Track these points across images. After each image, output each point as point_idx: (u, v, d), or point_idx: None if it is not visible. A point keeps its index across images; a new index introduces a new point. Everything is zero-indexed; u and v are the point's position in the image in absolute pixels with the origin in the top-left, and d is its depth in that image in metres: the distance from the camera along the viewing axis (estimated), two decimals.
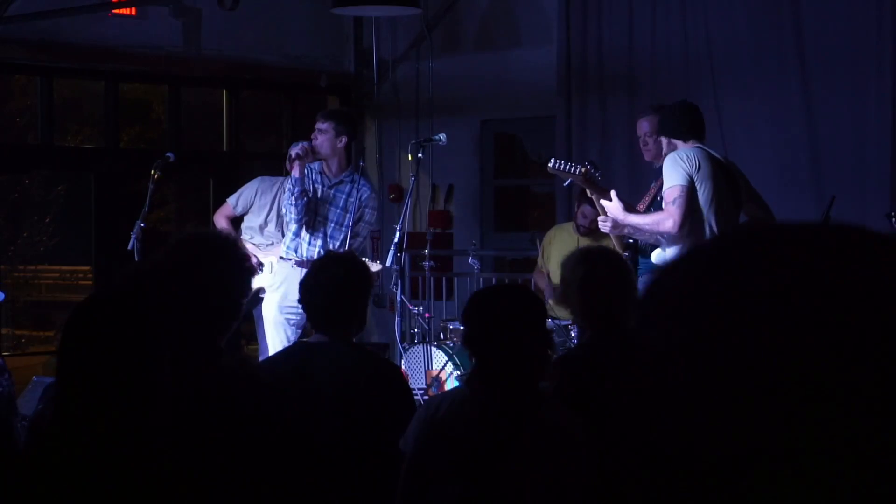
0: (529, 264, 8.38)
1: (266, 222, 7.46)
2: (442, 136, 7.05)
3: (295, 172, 6.76)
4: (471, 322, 3.24)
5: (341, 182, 6.90)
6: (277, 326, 6.80)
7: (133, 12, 9.59)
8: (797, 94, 8.46)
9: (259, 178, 7.73)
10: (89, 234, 9.89)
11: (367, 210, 6.89)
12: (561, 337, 6.78)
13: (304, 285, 3.86)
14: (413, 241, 8.84)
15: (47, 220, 16.69)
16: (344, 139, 6.93)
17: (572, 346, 6.68)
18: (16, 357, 13.29)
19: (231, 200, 7.60)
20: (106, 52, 9.49)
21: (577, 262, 3.99)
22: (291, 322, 6.84)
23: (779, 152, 8.53)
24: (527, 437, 3.10)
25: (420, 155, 6.82)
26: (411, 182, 7.02)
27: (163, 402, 2.74)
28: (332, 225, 6.80)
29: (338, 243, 6.75)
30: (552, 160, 5.97)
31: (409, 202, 7.63)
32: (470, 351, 3.24)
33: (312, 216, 6.84)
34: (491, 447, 3.08)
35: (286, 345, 6.70)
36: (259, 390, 2.98)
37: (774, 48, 8.58)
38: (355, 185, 6.89)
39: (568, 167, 5.89)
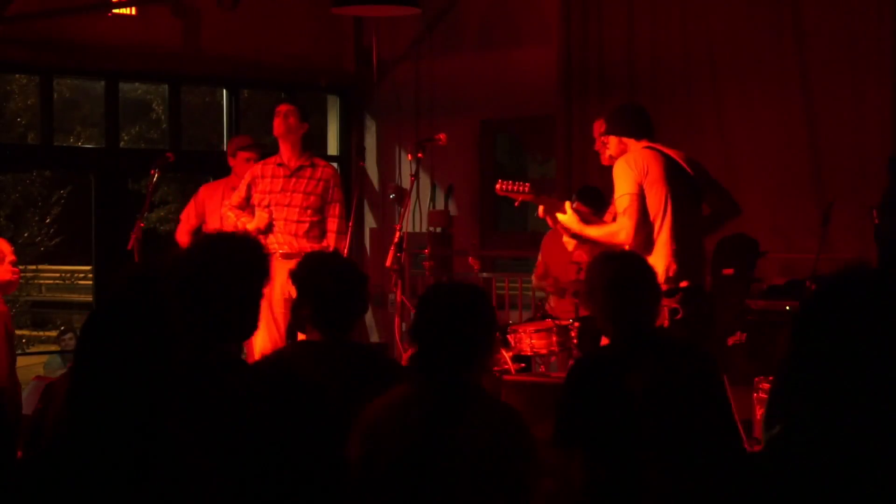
0: (529, 264, 8.38)
1: (222, 224, 7.51)
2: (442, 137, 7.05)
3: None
4: (419, 312, 3.28)
5: (302, 167, 6.97)
6: (269, 322, 6.80)
7: (133, 12, 9.59)
8: (797, 95, 8.45)
9: (202, 186, 7.80)
10: (89, 234, 9.89)
11: (335, 189, 6.95)
12: (561, 337, 6.77)
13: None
14: (413, 241, 8.85)
15: (47, 220, 16.72)
16: (305, 125, 7.05)
17: (572, 346, 6.68)
18: (16, 357, 13.27)
19: (183, 216, 7.71)
20: (106, 52, 9.49)
21: (602, 265, 3.98)
22: (285, 315, 6.86)
23: (779, 152, 8.53)
24: (462, 430, 3.13)
25: (420, 155, 6.81)
26: (411, 182, 7.01)
27: (180, 402, 2.75)
28: (298, 210, 6.86)
29: (306, 227, 6.83)
30: (499, 182, 5.91)
31: (409, 202, 7.63)
32: (414, 340, 3.25)
33: (281, 207, 6.91)
34: (427, 440, 3.12)
35: (276, 339, 6.73)
36: (287, 388, 2.98)
37: (774, 48, 8.58)
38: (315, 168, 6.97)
39: (516, 186, 5.82)
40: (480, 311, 3.29)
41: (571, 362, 5.51)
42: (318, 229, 6.90)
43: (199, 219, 7.64)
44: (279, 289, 6.61)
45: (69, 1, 9.09)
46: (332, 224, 6.92)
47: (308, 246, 6.69)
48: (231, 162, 7.59)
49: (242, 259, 3.25)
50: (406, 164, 10.18)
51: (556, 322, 6.87)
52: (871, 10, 8.18)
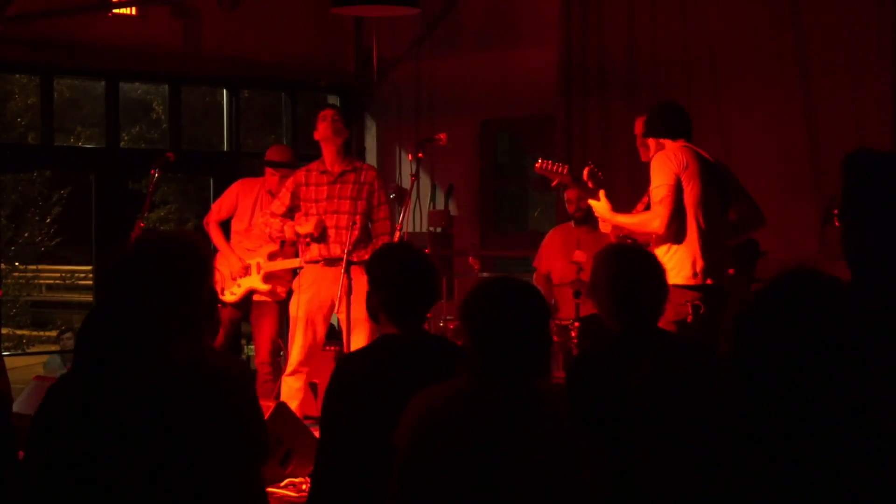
0: (529, 264, 8.37)
1: (251, 225, 7.51)
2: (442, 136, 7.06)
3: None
4: (474, 312, 3.17)
5: (344, 172, 6.91)
6: (307, 326, 6.81)
7: (133, 12, 9.59)
8: (797, 95, 8.45)
9: (239, 181, 7.78)
10: (89, 234, 9.89)
11: (380, 192, 6.92)
12: (561, 337, 6.78)
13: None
14: (413, 241, 8.82)
15: (48, 220, 16.71)
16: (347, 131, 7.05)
17: (572, 346, 6.68)
18: (16, 357, 13.30)
19: (214, 206, 7.69)
20: (106, 52, 9.49)
21: (608, 259, 3.95)
22: (325, 320, 6.88)
23: (779, 152, 8.53)
24: (527, 434, 3.07)
25: (420, 155, 6.81)
26: (411, 182, 7.01)
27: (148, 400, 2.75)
28: (348, 216, 6.78)
29: (358, 233, 6.72)
30: (539, 160, 5.98)
31: (409, 202, 7.63)
32: (472, 341, 3.14)
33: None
34: (491, 442, 3.05)
35: (312, 344, 6.76)
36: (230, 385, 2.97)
37: (774, 48, 8.58)
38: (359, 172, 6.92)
39: (555, 167, 5.92)
40: (541, 311, 3.20)
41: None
42: (366, 233, 6.86)
43: (229, 212, 7.64)
44: (321, 294, 6.66)
45: (69, 1, 9.09)
46: (381, 227, 6.88)
47: (356, 254, 6.54)
48: (265, 167, 7.61)
49: (180, 260, 3.17)
50: (406, 164, 10.18)
51: (556, 322, 6.87)
52: (871, 9, 8.18)
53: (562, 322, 6.87)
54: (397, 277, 3.86)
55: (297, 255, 7.22)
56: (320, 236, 6.81)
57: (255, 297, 7.52)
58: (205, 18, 9.88)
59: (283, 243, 7.34)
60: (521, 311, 3.14)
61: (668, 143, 5.67)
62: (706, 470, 3.44)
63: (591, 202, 5.78)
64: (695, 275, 5.42)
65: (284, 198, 6.96)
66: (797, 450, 2.05)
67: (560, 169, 5.93)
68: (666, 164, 5.50)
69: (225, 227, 7.75)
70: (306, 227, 6.78)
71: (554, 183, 6.10)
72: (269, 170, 7.53)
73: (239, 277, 7.49)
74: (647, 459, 3.59)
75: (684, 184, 5.49)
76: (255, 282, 7.42)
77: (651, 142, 5.77)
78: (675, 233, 5.43)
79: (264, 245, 7.39)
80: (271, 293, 7.42)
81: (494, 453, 3.04)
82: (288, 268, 7.35)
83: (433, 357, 3.77)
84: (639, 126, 6.35)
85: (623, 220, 5.71)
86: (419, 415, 3.15)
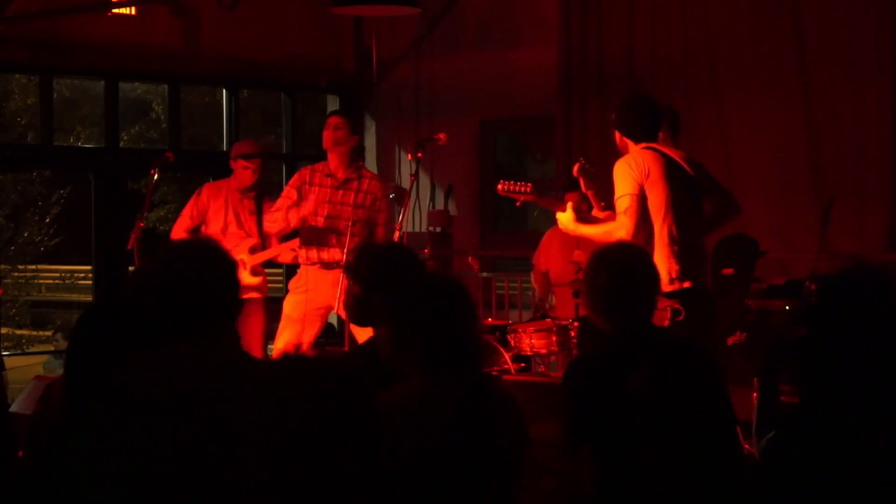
0: (529, 264, 8.37)
1: (226, 224, 7.50)
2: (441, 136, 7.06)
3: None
4: (417, 313, 3.23)
5: (349, 180, 6.91)
6: (298, 326, 6.83)
7: (133, 12, 9.59)
8: (797, 95, 8.45)
9: (205, 185, 7.76)
10: (89, 234, 9.88)
11: (381, 201, 6.95)
12: (561, 337, 6.77)
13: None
14: (413, 241, 8.83)
15: (47, 219, 16.72)
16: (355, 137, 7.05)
17: (572, 346, 6.68)
18: (16, 357, 13.31)
19: (185, 212, 7.66)
20: (106, 52, 9.49)
21: (600, 261, 3.94)
22: (318, 322, 6.91)
23: (779, 152, 8.54)
24: (487, 426, 3.14)
25: (420, 155, 6.81)
26: (411, 182, 7.01)
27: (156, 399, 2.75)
28: (347, 223, 6.80)
29: (356, 241, 6.76)
30: (501, 182, 5.98)
31: (408, 202, 7.62)
32: (416, 342, 3.21)
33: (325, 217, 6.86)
34: (460, 436, 3.11)
35: (298, 344, 6.76)
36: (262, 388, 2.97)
37: (774, 48, 8.58)
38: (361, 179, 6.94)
39: (517, 186, 5.91)
40: (472, 309, 3.29)
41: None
42: (362, 240, 6.87)
43: (198, 219, 7.62)
44: (318, 297, 6.67)
45: (69, 1, 9.09)
46: (379, 232, 6.92)
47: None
48: (232, 165, 7.57)
49: (211, 268, 3.18)
50: (406, 163, 10.18)
51: (556, 322, 6.86)
52: (871, 9, 8.19)
53: (561, 322, 6.87)
54: (393, 278, 3.86)
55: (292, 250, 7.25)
56: (319, 240, 6.82)
57: (244, 295, 7.52)
58: (204, 18, 9.88)
59: (264, 239, 7.37)
60: (459, 310, 3.23)
61: (630, 144, 5.60)
62: (707, 470, 3.43)
63: (558, 214, 5.77)
64: (671, 281, 5.36)
65: (290, 194, 6.96)
66: (868, 442, 2.06)
67: (523, 188, 5.91)
68: (627, 173, 5.43)
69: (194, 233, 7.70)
70: (307, 205, 6.82)
71: (519, 202, 6.08)
72: (240, 165, 7.49)
73: None
74: (647, 460, 3.59)
75: (647, 191, 5.41)
76: (244, 277, 7.43)
77: (616, 134, 5.70)
78: (643, 241, 5.38)
79: (242, 242, 7.40)
80: (260, 287, 7.44)
81: (458, 449, 3.09)
82: (270, 258, 7.39)
83: None
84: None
85: (588, 230, 5.67)
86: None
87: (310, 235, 6.86)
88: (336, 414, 2.15)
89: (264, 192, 7.57)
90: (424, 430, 3.12)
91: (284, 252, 7.27)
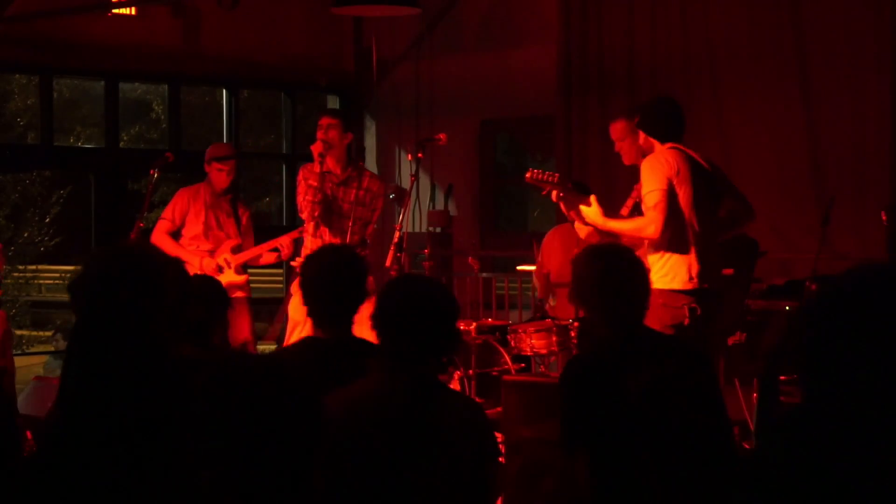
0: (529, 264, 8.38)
1: (207, 228, 7.51)
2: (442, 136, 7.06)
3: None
4: (383, 311, 3.28)
5: (348, 179, 6.92)
6: (305, 328, 6.84)
7: (133, 12, 9.59)
8: (797, 95, 8.45)
9: (181, 189, 7.77)
10: (89, 234, 9.89)
11: (377, 199, 6.98)
12: (561, 337, 6.77)
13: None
14: (413, 242, 8.84)
15: (47, 220, 16.71)
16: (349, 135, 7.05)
17: (572, 346, 6.68)
18: (16, 357, 13.29)
19: (167, 215, 7.64)
20: (106, 52, 9.49)
21: (591, 259, 3.93)
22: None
23: (779, 152, 8.54)
24: (434, 422, 3.16)
25: (420, 155, 6.81)
26: (411, 182, 7.01)
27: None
28: (346, 220, 6.82)
29: (357, 237, 6.80)
30: (529, 171, 6.00)
31: (408, 202, 7.62)
32: (382, 333, 3.25)
33: (328, 214, 6.88)
34: (407, 432, 3.14)
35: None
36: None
37: (774, 48, 8.58)
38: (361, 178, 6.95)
39: (545, 175, 5.94)
40: (448, 308, 3.30)
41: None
42: (360, 237, 6.90)
43: (181, 218, 7.61)
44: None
45: (69, 1, 9.09)
46: (370, 230, 6.97)
47: None
48: (206, 168, 7.59)
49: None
50: (406, 163, 10.18)
51: (556, 322, 6.86)
52: (871, 9, 8.19)
53: (561, 322, 6.87)
54: (321, 282, 3.88)
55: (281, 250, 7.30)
56: (331, 223, 6.86)
57: (230, 294, 7.52)
58: (204, 18, 9.88)
59: (241, 241, 7.43)
60: (426, 308, 3.24)
61: (656, 144, 5.63)
62: (702, 469, 3.43)
63: (582, 208, 5.75)
64: (690, 279, 5.40)
65: (308, 193, 6.96)
66: (871, 446, 2.05)
67: (550, 177, 5.93)
68: (658, 169, 5.45)
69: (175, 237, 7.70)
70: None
71: (545, 191, 6.09)
72: (214, 168, 7.51)
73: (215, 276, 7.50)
74: (647, 460, 3.59)
75: (677, 188, 5.44)
76: (230, 276, 7.44)
77: (641, 134, 5.72)
78: (669, 238, 5.40)
79: (223, 243, 7.43)
80: (244, 286, 7.46)
81: (407, 445, 3.12)
82: (252, 257, 7.42)
83: (356, 358, 3.78)
84: (615, 131, 6.34)
85: (616, 225, 5.68)
86: (333, 417, 3.20)
87: (324, 215, 6.86)
88: (275, 410, 2.15)
89: (239, 193, 7.60)
90: (372, 424, 3.15)
91: (265, 252, 7.33)
